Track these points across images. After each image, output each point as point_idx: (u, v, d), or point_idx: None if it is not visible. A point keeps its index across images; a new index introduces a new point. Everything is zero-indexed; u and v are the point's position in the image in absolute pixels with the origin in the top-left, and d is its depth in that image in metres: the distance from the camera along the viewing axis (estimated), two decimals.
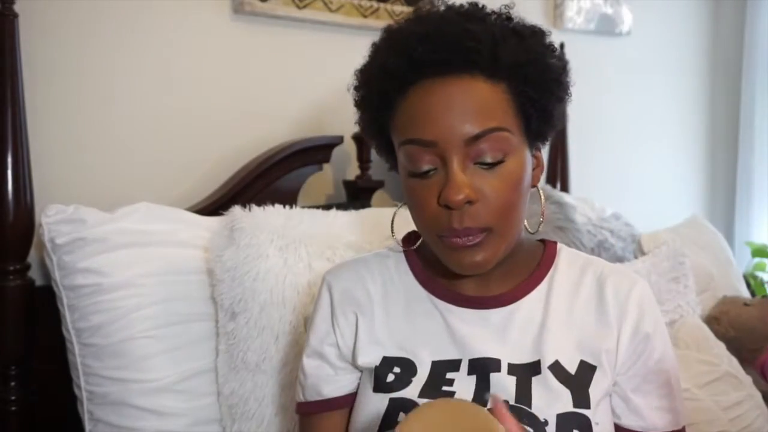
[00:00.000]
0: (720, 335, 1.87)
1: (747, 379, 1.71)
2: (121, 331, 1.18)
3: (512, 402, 0.82)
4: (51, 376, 1.30)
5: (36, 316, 1.28)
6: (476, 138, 0.79)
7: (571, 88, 0.88)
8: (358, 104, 0.91)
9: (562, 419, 0.81)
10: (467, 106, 0.79)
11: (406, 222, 1.00)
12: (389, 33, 0.87)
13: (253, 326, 1.21)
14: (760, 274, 2.71)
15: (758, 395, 1.70)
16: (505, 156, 0.81)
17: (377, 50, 0.87)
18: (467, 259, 0.82)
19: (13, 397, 1.25)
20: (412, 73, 0.81)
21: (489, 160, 0.80)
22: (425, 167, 0.81)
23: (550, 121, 0.87)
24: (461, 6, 0.86)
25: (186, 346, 1.24)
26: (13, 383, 1.25)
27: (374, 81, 0.85)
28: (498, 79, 0.81)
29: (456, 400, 0.72)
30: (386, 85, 0.84)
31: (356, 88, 0.91)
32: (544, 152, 2.33)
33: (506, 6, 0.86)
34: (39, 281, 1.32)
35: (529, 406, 0.82)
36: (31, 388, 1.28)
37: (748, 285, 2.47)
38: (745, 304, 2.00)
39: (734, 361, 1.75)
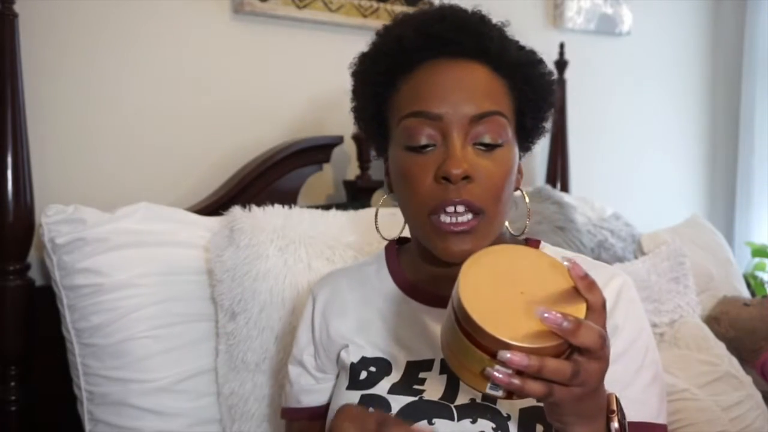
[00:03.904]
0: (720, 335, 1.87)
1: (747, 379, 1.71)
2: (121, 331, 1.18)
3: (479, 400, 0.82)
4: (51, 376, 1.30)
5: (36, 316, 1.28)
6: (480, 117, 0.82)
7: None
8: (360, 84, 0.92)
9: (525, 414, 0.81)
10: (474, 86, 0.83)
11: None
12: (403, 16, 0.91)
13: (253, 326, 1.21)
14: (760, 274, 2.70)
15: (758, 395, 1.70)
16: (503, 142, 0.84)
17: (388, 30, 0.90)
18: (456, 247, 0.82)
19: (13, 397, 1.25)
20: (426, 49, 0.84)
21: (488, 141, 0.83)
22: (424, 141, 0.83)
23: (540, 125, 0.91)
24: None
25: (186, 346, 1.24)
26: (13, 383, 1.25)
27: (383, 57, 0.87)
28: (501, 74, 0.86)
29: (517, 246, 0.71)
30: (395, 60, 0.86)
31: (357, 72, 0.92)
32: (544, 152, 2.34)
33: (502, 23, 0.91)
34: (39, 281, 1.32)
35: (495, 403, 0.82)
36: (31, 388, 1.28)
37: (748, 285, 2.46)
38: (745, 304, 2.00)
39: (734, 361, 1.75)
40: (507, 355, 0.59)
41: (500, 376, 0.60)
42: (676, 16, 2.80)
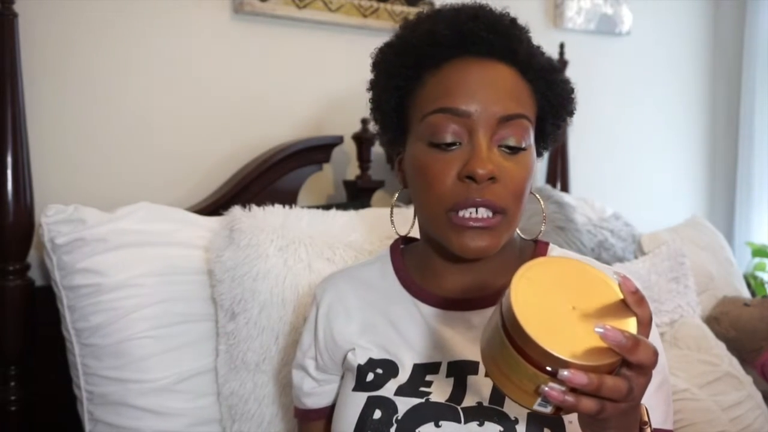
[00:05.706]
0: (720, 335, 1.87)
1: (747, 379, 1.71)
2: (120, 332, 1.18)
3: (486, 403, 0.82)
4: (51, 376, 1.30)
5: (36, 316, 1.28)
6: (507, 119, 0.81)
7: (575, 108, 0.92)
8: (382, 75, 0.90)
9: (534, 417, 0.80)
10: (502, 87, 0.83)
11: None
12: (432, 12, 0.89)
13: (253, 326, 1.21)
14: (760, 274, 2.71)
15: (758, 395, 1.70)
16: (526, 146, 0.83)
17: (417, 24, 0.88)
18: (473, 243, 0.81)
19: (13, 397, 1.25)
20: (457, 45, 0.83)
21: (512, 144, 0.82)
22: (450, 139, 0.82)
23: (557, 132, 0.91)
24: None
25: (186, 346, 1.24)
26: (13, 383, 1.25)
27: (411, 50, 0.86)
28: (527, 78, 0.85)
29: (562, 258, 0.69)
30: (424, 54, 0.85)
31: (380, 63, 0.91)
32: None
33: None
34: (39, 281, 1.32)
35: (501, 406, 0.81)
36: (31, 388, 1.28)
37: (748, 285, 2.47)
38: (745, 305, 2.00)
39: (734, 361, 1.75)
40: (565, 373, 0.58)
41: (555, 393, 0.59)
42: (676, 16, 2.81)
